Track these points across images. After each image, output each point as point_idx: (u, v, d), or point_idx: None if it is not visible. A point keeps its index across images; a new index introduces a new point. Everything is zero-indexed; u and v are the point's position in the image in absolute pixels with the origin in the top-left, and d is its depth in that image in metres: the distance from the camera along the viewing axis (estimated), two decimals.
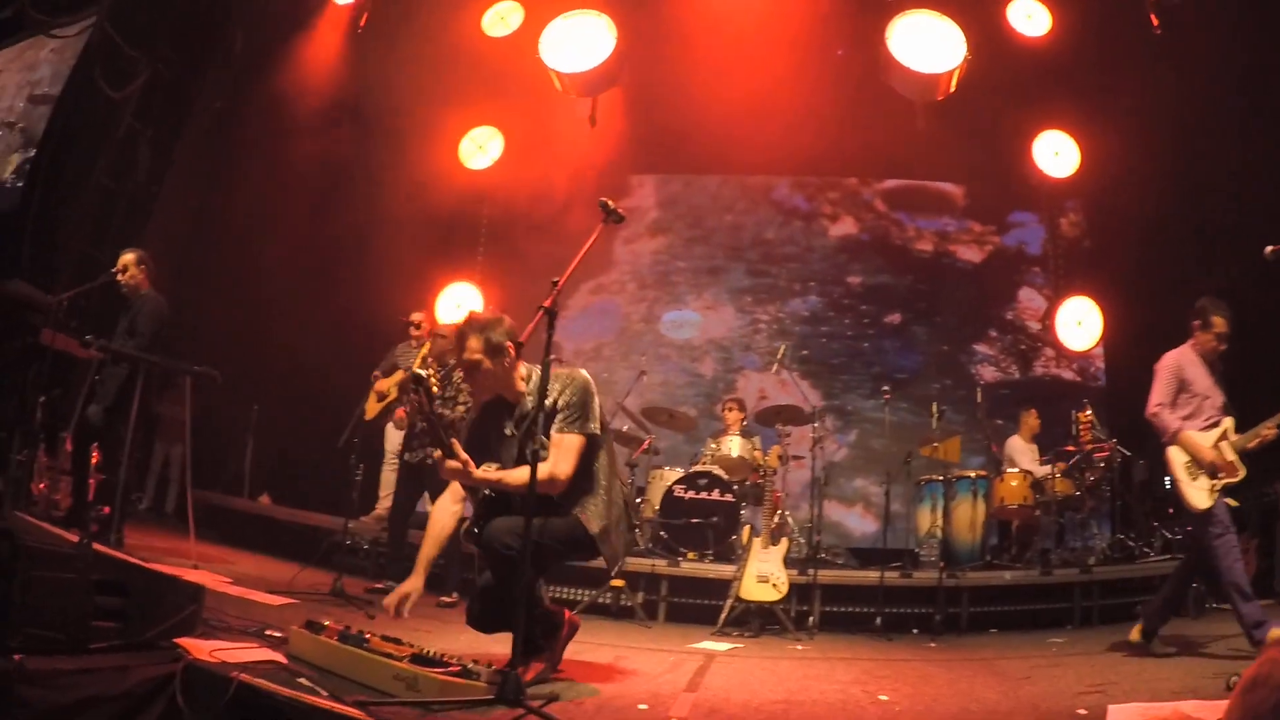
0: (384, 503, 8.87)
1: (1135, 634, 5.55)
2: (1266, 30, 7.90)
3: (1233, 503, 5.27)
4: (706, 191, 12.17)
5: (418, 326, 8.24)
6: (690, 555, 7.67)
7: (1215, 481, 5.24)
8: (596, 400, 4.24)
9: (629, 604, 7.11)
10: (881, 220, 11.83)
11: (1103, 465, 8.21)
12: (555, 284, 3.89)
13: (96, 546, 3.89)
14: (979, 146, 10.04)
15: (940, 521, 8.18)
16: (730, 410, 8.89)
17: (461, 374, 5.55)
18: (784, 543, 6.86)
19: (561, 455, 4.07)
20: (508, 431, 4.28)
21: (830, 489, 9.45)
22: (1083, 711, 3.98)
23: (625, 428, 9.03)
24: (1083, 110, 9.69)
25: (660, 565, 7.42)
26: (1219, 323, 5.53)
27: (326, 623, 4.01)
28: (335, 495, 8.63)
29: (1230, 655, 5.22)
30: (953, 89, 9.20)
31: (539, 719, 3.34)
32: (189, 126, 9.88)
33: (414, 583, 4.14)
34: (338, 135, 9.88)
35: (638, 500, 8.42)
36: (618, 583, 7.06)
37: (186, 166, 9.92)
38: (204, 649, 3.54)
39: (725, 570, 7.20)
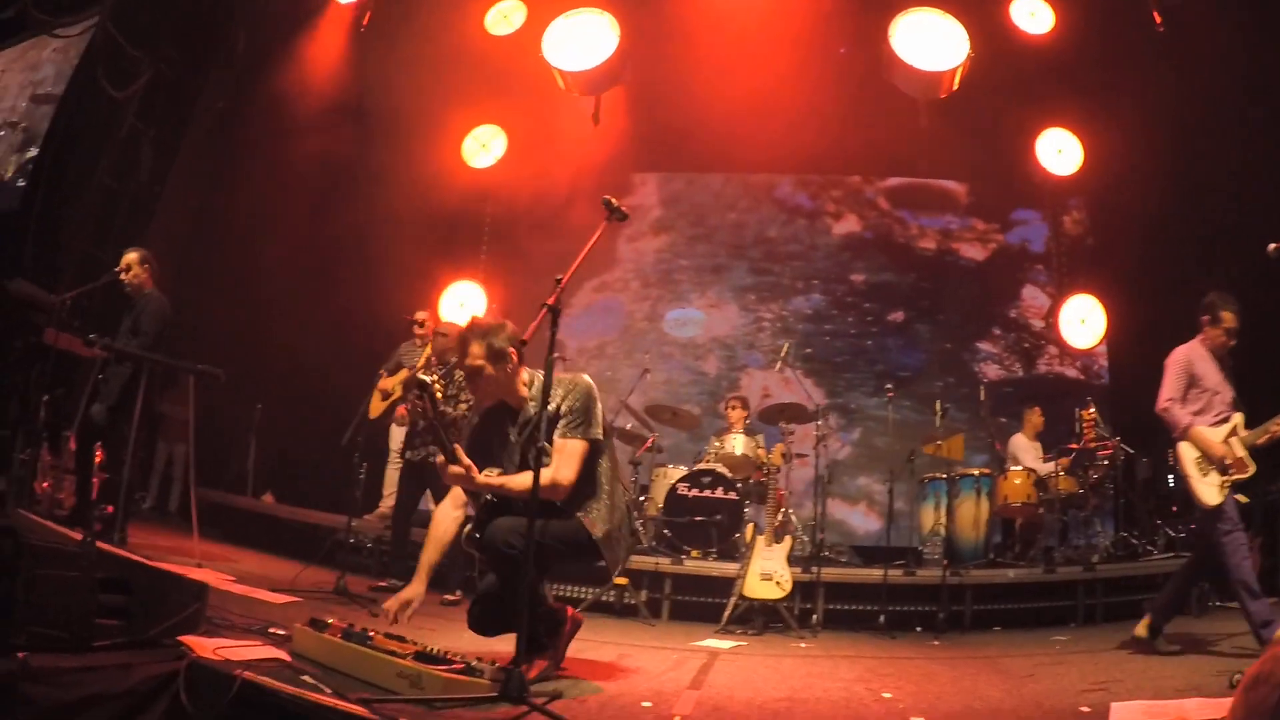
0: (387, 501, 8.86)
1: (1142, 628, 5.52)
2: (1269, 28, 7.89)
3: (1243, 499, 5.25)
4: (709, 190, 12.16)
5: (421, 325, 8.24)
6: (694, 553, 7.66)
7: (1225, 477, 5.21)
8: (599, 405, 4.25)
9: (633, 602, 7.10)
10: (885, 218, 11.82)
11: (1106, 463, 8.19)
12: (559, 282, 3.88)
13: (100, 545, 3.90)
14: (982, 144, 10.03)
15: (944, 519, 8.18)
16: (734, 408, 8.89)
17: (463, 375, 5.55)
18: (787, 540, 6.85)
19: (564, 461, 4.08)
20: (511, 437, 4.28)
21: (834, 487, 9.46)
22: (1086, 709, 3.98)
23: (629, 426, 9.03)
24: (1086, 108, 9.68)
25: (664, 563, 7.42)
26: (1228, 317, 5.49)
27: (330, 620, 4.00)
28: (336, 494, 8.65)
29: (1235, 653, 5.22)
30: (955, 87, 9.20)
31: (543, 716, 3.34)
32: (191, 126, 9.90)
33: (415, 589, 4.14)
34: (340, 135, 9.86)
35: (641, 499, 8.44)
36: (621, 581, 7.06)
37: (189, 166, 9.94)
38: (207, 647, 3.54)
39: (729, 568, 7.20)
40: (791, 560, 6.81)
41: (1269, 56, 7.96)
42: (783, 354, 8.82)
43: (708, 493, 7.89)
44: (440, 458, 4.03)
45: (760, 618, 6.73)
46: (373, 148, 10.03)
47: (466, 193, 10.93)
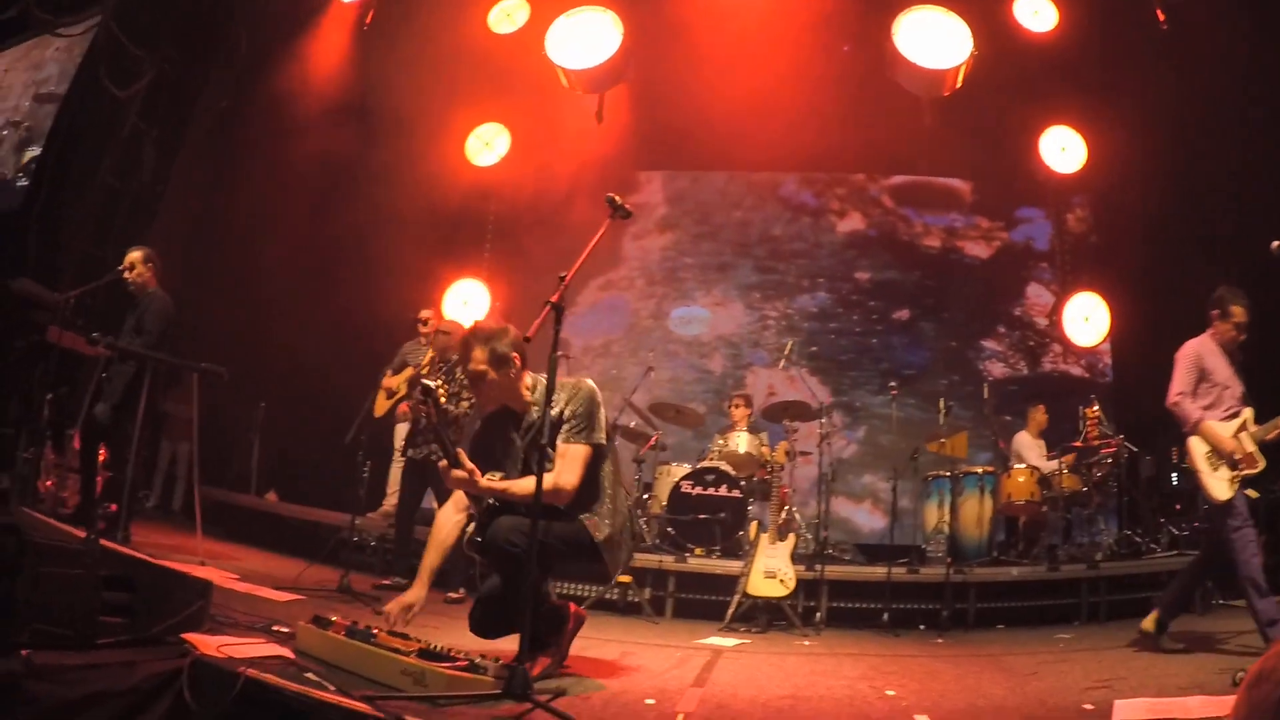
0: (391, 499, 8.86)
1: (1149, 623, 5.50)
2: (1272, 27, 7.87)
3: (1253, 494, 5.23)
4: (714, 188, 12.16)
5: (425, 323, 8.24)
6: (697, 551, 7.66)
7: (1236, 473, 5.18)
8: (602, 410, 4.25)
9: (636, 600, 7.10)
10: (889, 216, 11.80)
11: (1110, 461, 8.17)
12: (562, 279, 3.87)
13: (104, 543, 3.90)
14: (986, 142, 10.02)
15: (947, 517, 8.17)
16: (738, 406, 8.88)
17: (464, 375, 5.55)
18: (791, 538, 6.85)
19: (567, 465, 4.08)
20: (514, 441, 4.28)
21: (838, 485, 9.45)
22: (1089, 706, 3.98)
23: (633, 424, 9.03)
24: (1089, 106, 9.66)
25: (667, 561, 7.41)
26: (1238, 312, 5.47)
27: (334, 618, 4.00)
28: (338, 493, 8.66)
29: (1239, 651, 5.20)
30: (959, 85, 9.20)
31: (546, 713, 3.34)
32: (193, 126, 9.89)
33: (417, 593, 4.15)
34: (343, 134, 9.86)
35: (645, 497, 8.44)
36: (625, 578, 7.04)
37: (191, 165, 9.93)
38: (211, 644, 3.54)
39: (732, 566, 7.19)
40: (795, 558, 6.80)
41: (1272, 56, 7.95)
42: (787, 352, 8.81)
43: (712, 490, 7.89)
44: (443, 461, 4.03)
45: (764, 615, 6.72)
46: (375, 147, 10.03)
47: (470, 191, 10.93)
